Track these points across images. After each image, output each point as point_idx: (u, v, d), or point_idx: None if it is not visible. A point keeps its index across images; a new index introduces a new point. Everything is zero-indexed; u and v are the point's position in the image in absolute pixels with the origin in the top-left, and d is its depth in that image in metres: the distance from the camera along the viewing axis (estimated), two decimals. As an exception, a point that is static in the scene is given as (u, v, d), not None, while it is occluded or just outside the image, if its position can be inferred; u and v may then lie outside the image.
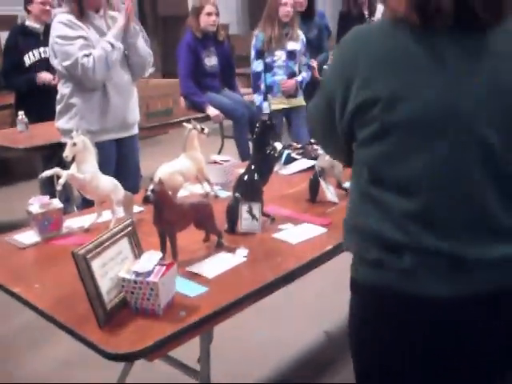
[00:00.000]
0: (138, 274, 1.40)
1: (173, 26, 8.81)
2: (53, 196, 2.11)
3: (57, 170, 1.89)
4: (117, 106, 3.14)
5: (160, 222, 1.68)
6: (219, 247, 1.84)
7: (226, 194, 2.38)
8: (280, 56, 4.30)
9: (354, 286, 1.27)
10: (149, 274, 1.40)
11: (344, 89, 1.19)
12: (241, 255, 1.79)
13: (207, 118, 4.60)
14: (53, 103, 3.25)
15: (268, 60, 4.30)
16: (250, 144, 5.01)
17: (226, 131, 5.67)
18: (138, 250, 1.57)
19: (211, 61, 4.81)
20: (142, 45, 3.18)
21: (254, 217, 1.96)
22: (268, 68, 4.32)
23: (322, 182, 2.24)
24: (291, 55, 4.35)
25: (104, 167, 2.37)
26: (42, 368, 2.73)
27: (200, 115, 4.49)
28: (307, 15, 4.82)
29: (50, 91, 3.97)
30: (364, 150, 1.21)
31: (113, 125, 3.16)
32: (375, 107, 1.14)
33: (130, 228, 1.56)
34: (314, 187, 2.26)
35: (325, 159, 2.26)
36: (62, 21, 2.98)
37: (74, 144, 1.87)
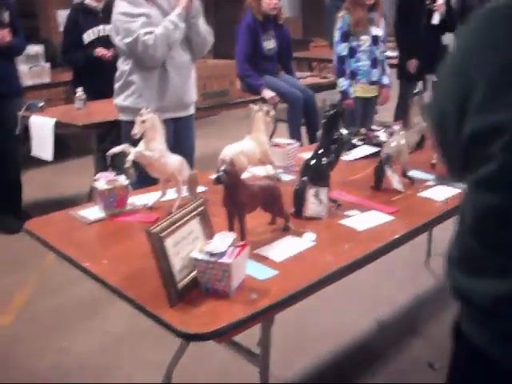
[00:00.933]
0: (211, 254, 1.38)
1: (225, 7, 8.78)
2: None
3: (125, 147, 1.89)
4: (175, 85, 3.13)
5: (230, 203, 1.66)
6: (286, 231, 1.81)
7: (288, 177, 2.35)
8: (366, 41, 4.11)
9: (465, 345, 1.03)
10: (222, 255, 1.38)
11: (459, 104, 0.90)
12: (308, 240, 1.75)
13: (263, 100, 4.55)
14: (110, 81, 3.27)
15: (353, 44, 4.11)
16: (303, 128, 4.97)
17: (278, 115, 5.62)
18: (208, 231, 1.55)
19: (270, 44, 4.74)
20: (203, 24, 3.16)
21: (320, 201, 1.92)
22: (352, 52, 4.13)
23: (388, 170, 2.18)
24: (375, 40, 4.16)
25: None
26: (93, 341, 2.77)
27: (255, 97, 4.45)
28: None
29: (107, 68, 4.02)
30: (477, 193, 0.92)
31: (170, 104, 3.15)
32: (495, 140, 0.83)
33: (201, 208, 1.54)
34: (380, 174, 2.21)
35: (391, 146, 2.20)
36: None
37: (143, 121, 1.86)
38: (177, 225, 1.42)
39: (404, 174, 2.26)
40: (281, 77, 4.87)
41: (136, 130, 1.86)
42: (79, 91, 4.07)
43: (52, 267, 3.43)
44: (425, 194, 2.18)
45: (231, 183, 1.62)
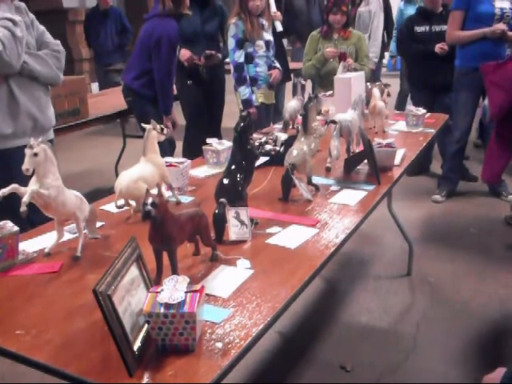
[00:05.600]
0: (168, 305, 1.17)
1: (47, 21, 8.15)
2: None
3: (15, 186, 1.57)
4: (26, 105, 2.73)
5: (158, 239, 1.45)
6: (215, 260, 1.64)
7: (186, 199, 2.17)
8: (261, 46, 4.04)
9: None
10: (182, 304, 1.18)
11: None
12: (243, 267, 1.60)
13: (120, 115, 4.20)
14: None
15: (249, 50, 4.01)
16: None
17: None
18: (146, 276, 1.33)
19: None
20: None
21: (242, 223, 1.77)
22: (249, 59, 4.03)
23: (296, 180, 2.09)
24: (268, 45, 4.12)
25: (19, 177, 2.02)
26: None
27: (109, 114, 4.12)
28: None
29: None
30: None
31: (25, 128, 2.75)
32: None
33: (137, 251, 1.31)
34: (287, 185, 2.11)
35: (294, 155, 2.11)
36: None
37: (35, 154, 1.56)
38: (121, 275, 1.19)
39: (309, 182, 2.19)
40: None
41: (27, 165, 1.55)
42: None
43: None
44: (335, 199, 2.13)
45: (161, 217, 1.41)
